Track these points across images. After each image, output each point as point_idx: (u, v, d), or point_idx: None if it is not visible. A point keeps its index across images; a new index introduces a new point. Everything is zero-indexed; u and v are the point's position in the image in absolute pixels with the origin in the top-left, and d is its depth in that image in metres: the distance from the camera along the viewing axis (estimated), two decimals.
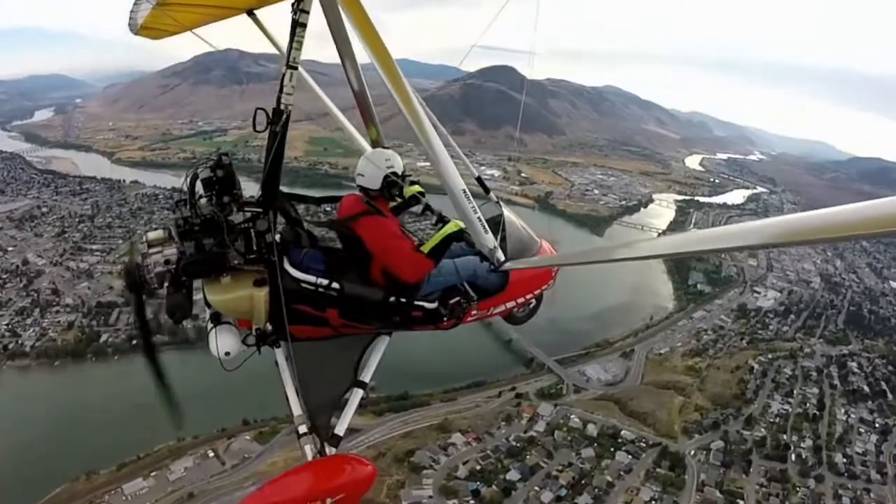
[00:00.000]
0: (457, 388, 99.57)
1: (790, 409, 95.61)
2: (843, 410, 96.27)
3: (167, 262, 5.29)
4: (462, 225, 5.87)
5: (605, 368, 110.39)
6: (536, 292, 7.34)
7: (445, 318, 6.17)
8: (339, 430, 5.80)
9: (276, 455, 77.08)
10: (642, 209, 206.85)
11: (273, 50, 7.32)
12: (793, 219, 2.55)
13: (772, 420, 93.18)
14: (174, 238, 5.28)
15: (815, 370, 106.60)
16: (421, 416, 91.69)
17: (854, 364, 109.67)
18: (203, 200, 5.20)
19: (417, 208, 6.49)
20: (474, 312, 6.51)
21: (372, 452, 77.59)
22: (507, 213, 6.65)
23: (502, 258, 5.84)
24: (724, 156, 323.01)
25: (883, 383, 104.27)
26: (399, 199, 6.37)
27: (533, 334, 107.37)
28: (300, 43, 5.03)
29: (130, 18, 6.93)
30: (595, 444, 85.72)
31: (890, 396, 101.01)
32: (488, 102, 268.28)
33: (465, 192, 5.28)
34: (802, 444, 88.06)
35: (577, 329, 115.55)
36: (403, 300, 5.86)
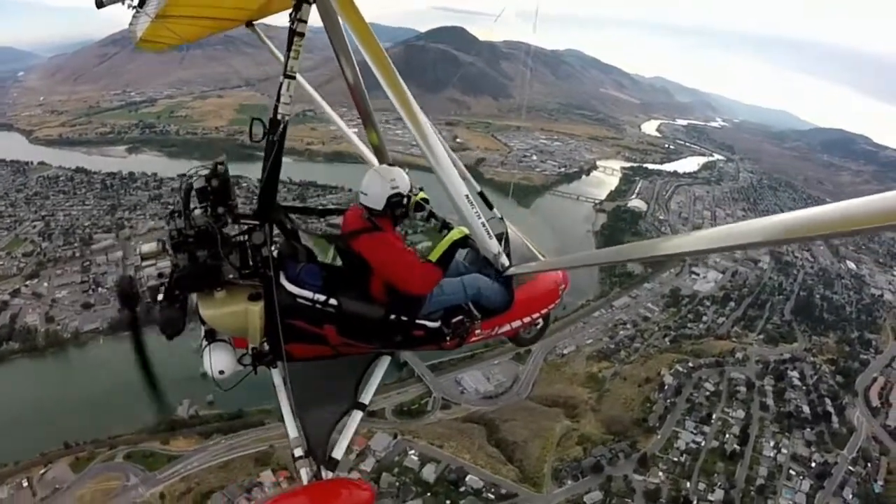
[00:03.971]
0: None
1: (703, 443, 68.79)
2: (772, 443, 69.23)
3: (160, 275, 4.87)
4: (466, 231, 5.36)
5: (489, 376, 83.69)
6: (543, 311, 6.54)
7: (448, 338, 5.52)
8: (337, 453, 5.08)
9: (86, 486, 62.55)
10: (583, 177, 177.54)
11: None
12: (800, 215, 2.37)
13: (675, 459, 66.26)
14: (168, 250, 4.74)
15: (745, 384, 78.88)
16: (250, 440, 69.37)
17: (795, 374, 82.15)
18: (198, 212, 4.74)
19: (422, 215, 5.91)
20: (478, 332, 5.77)
21: (181, 486, 62.32)
22: (511, 228, 6.14)
23: (507, 263, 5.34)
24: (684, 122, 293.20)
25: (828, 401, 76.83)
26: (403, 219, 5.50)
27: None
28: (298, 52, 4.61)
29: (130, 31, 6.54)
30: (427, 495, 60.92)
31: (835, 421, 74.03)
32: (431, 64, 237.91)
33: (468, 197, 4.85)
34: (711, 497, 62.11)
35: None
36: (405, 318, 5.28)
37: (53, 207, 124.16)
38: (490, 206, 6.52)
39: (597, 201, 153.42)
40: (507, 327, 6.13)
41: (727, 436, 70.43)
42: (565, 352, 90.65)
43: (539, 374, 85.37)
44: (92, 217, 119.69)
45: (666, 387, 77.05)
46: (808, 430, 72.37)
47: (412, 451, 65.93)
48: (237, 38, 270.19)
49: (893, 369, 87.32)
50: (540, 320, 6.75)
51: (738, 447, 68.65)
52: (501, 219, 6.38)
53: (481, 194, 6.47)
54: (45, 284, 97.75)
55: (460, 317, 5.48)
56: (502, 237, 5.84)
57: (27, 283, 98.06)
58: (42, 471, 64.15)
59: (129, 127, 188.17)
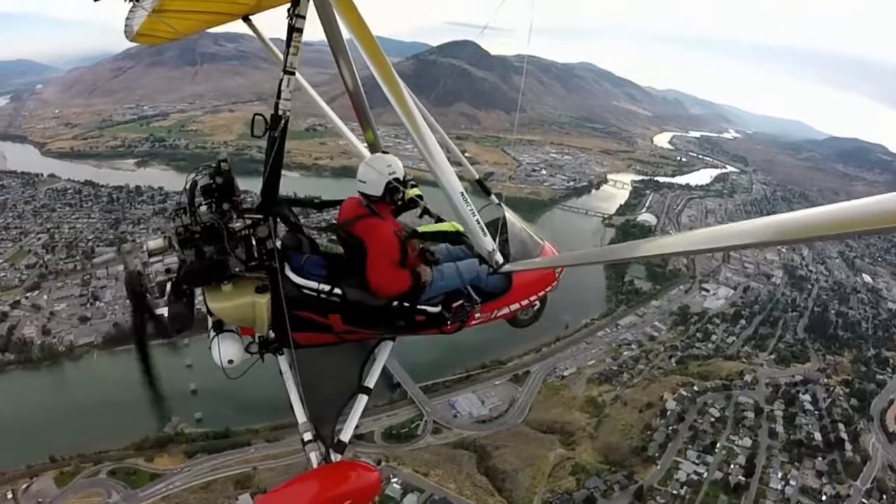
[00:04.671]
0: (286, 424, 69.71)
1: (705, 474, 64.34)
2: (780, 474, 64.57)
3: (168, 270, 4.89)
4: (460, 227, 5.75)
5: (484, 399, 79.95)
6: (540, 294, 6.60)
7: (449, 322, 5.57)
8: (345, 436, 5.08)
9: (68, 501, 61.71)
10: (593, 191, 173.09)
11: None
12: (792, 217, 2.45)
13: (675, 491, 61.87)
14: (174, 246, 4.79)
15: (753, 409, 74.27)
16: (234, 461, 67.97)
17: (807, 397, 77.43)
18: (203, 208, 4.76)
19: (416, 211, 5.92)
20: (478, 315, 5.89)
21: None
22: (509, 215, 6.19)
23: (501, 260, 5.24)
24: (697, 134, 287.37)
25: (841, 427, 71.92)
26: (400, 204, 5.66)
27: (411, 350, 76.98)
28: (297, 48, 4.61)
29: (126, 25, 6.34)
30: None
31: (848, 448, 69.09)
32: (442, 78, 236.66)
33: (462, 194, 4.74)
34: None
35: (467, 343, 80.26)
36: (406, 304, 5.31)
37: (59, 220, 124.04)
38: (488, 193, 6.58)
39: (605, 215, 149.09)
40: (505, 310, 6.13)
41: (732, 466, 65.84)
42: (566, 373, 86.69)
43: (537, 397, 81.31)
44: (96, 230, 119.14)
45: (668, 413, 72.68)
46: (820, 458, 67.51)
47: (395, 479, 62.44)
48: (251, 54, 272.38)
49: None
50: (537, 302, 6.74)
51: (743, 479, 64.01)
52: (499, 204, 6.33)
53: (479, 182, 6.83)
54: (45, 297, 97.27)
55: (460, 301, 5.51)
56: (498, 222, 5.85)
57: (27, 294, 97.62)
58: (26, 483, 63.28)
59: (140, 140, 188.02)
